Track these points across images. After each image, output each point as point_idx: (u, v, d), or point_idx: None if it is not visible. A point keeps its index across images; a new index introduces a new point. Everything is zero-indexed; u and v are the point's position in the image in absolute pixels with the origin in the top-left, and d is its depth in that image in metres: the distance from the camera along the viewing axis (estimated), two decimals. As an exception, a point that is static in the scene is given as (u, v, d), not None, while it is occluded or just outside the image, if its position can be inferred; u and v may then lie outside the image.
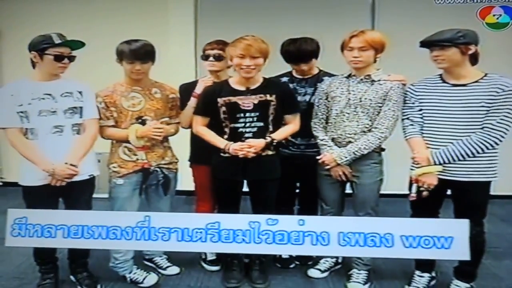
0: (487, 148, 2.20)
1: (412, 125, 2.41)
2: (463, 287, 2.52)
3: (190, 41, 4.55)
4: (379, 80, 2.44)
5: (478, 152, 2.20)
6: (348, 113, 2.49)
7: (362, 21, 4.42)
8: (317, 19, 4.43)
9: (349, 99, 2.46)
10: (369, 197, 2.58)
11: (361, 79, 2.47)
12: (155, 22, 4.58)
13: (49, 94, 2.40)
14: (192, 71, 4.49)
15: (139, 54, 2.45)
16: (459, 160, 2.24)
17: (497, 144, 2.20)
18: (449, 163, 2.25)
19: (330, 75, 2.72)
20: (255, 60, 2.37)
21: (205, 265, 2.96)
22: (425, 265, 2.61)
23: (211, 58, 2.75)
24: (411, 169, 2.40)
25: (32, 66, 2.45)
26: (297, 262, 2.97)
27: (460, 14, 4.24)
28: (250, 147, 2.40)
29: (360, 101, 2.45)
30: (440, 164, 2.26)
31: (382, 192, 2.62)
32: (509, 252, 3.20)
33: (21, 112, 2.36)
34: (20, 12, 5.03)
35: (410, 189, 2.41)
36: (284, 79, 2.81)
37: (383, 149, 2.61)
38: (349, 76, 2.52)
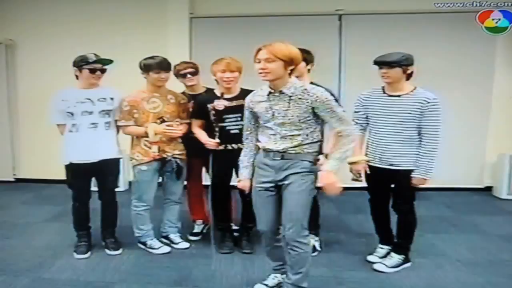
0: (435, 149, 2.80)
1: (357, 122, 3.02)
2: (395, 257, 3.05)
3: (185, 55, 5.08)
4: (293, 94, 2.32)
5: (434, 154, 2.80)
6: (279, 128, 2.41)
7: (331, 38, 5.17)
8: (292, 37, 5.10)
9: (274, 115, 2.38)
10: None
11: (278, 95, 2.36)
12: (155, 38, 5.20)
13: (89, 99, 3.14)
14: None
15: (164, 65, 3.18)
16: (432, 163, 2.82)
17: (436, 145, 2.80)
18: (388, 152, 2.91)
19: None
20: (233, 73, 3.13)
21: (190, 237, 3.62)
22: (387, 239, 3.20)
23: (188, 76, 3.48)
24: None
25: (76, 78, 3.18)
26: None
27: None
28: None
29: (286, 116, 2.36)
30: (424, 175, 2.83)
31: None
32: (447, 229, 4.00)
33: (69, 112, 3.11)
34: (32, 23, 5.51)
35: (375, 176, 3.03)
36: None
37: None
38: (269, 93, 2.40)
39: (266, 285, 2.74)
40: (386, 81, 2.90)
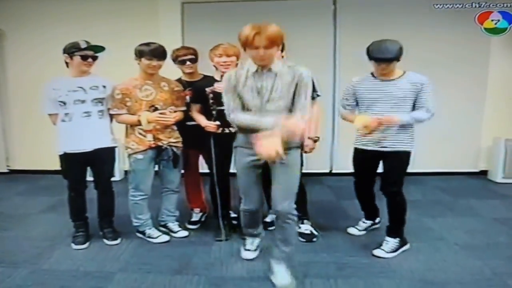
0: (425, 119, 2.87)
1: (345, 108, 3.13)
2: (391, 241, 3.08)
3: (178, 41, 5.01)
4: (279, 71, 2.43)
5: (419, 120, 2.88)
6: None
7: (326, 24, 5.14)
8: (284, 23, 5.07)
9: (259, 92, 2.45)
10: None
11: (265, 73, 2.44)
12: (146, 25, 5.09)
13: (81, 87, 3.08)
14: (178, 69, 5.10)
15: (157, 53, 3.11)
16: (413, 122, 2.90)
17: (429, 117, 2.88)
18: (387, 134, 2.91)
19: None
20: (230, 58, 3.16)
21: (188, 225, 3.61)
22: (372, 215, 3.41)
23: (188, 63, 3.44)
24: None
25: (66, 65, 3.12)
26: None
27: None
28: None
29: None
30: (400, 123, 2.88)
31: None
32: (444, 213, 4.02)
33: (61, 101, 3.06)
34: (21, 12, 5.41)
35: (362, 159, 3.11)
36: None
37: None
38: (256, 71, 2.45)
39: (249, 250, 3.05)
40: (383, 73, 2.92)
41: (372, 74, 3.01)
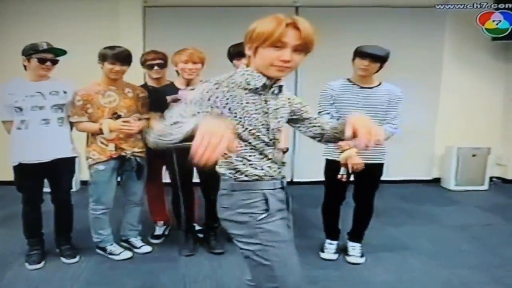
0: (390, 135, 2.87)
1: (331, 118, 2.85)
2: (357, 246, 3.14)
3: (139, 45, 4.88)
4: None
5: (386, 138, 2.81)
6: None
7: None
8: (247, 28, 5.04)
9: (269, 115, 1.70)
10: None
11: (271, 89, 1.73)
12: (107, 28, 4.88)
13: (40, 92, 2.84)
14: (141, 74, 4.93)
15: (121, 57, 2.92)
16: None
17: (395, 132, 2.90)
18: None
19: None
20: (195, 65, 3.01)
21: (151, 240, 3.45)
22: (336, 234, 3.22)
23: (156, 67, 3.31)
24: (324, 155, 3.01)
25: (24, 68, 2.87)
26: None
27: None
28: None
29: None
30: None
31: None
32: (406, 221, 4.11)
33: (17, 107, 2.80)
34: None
35: (337, 171, 2.93)
36: None
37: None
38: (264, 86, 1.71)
39: None
40: (363, 73, 2.86)
41: (349, 79, 2.97)
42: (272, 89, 1.60)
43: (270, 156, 1.62)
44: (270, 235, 1.56)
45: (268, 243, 1.56)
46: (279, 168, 1.68)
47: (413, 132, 5.37)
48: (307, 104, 1.81)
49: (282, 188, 1.67)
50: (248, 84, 1.55)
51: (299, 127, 1.83)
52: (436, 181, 5.63)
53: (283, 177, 1.69)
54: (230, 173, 1.60)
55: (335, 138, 1.80)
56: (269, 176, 1.62)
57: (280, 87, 1.64)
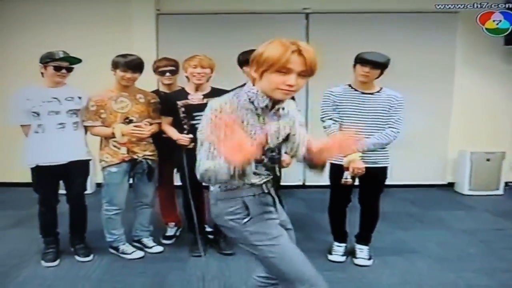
0: (392, 140, 2.92)
1: (334, 124, 2.96)
2: (365, 249, 3.18)
3: (152, 52, 5.01)
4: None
5: (387, 143, 2.93)
6: None
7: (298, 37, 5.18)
8: (260, 35, 5.08)
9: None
10: None
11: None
12: (120, 35, 5.01)
13: (56, 98, 2.98)
14: (154, 80, 5.05)
15: (132, 65, 3.05)
16: (374, 148, 2.90)
17: (397, 136, 2.93)
18: (367, 151, 2.91)
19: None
20: (204, 69, 3.10)
21: (163, 240, 3.54)
22: (343, 237, 3.26)
23: (167, 74, 3.42)
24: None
25: (42, 75, 3.02)
26: None
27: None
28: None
29: None
30: (360, 151, 2.88)
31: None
32: (415, 225, 4.11)
33: (34, 112, 2.94)
34: None
35: (341, 176, 2.96)
36: None
37: None
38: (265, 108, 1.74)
39: None
40: (363, 80, 2.92)
41: (350, 85, 3.02)
42: (273, 111, 1.68)
43: (255, 170, 1.67)
44: (259, 236, 1.68)
45: (259, 243, 1.68)
46: (265, 177, 1.75)
47: (426, 136, 5.41)
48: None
49: (267, 192, 1.76)
50: (251, 104, 1.63)
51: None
52: (450, 185, 5.58)
53: (267, 182, 1.76)
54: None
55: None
56: (249, 184, 1.69)
57: (283, 109, 1.72)
